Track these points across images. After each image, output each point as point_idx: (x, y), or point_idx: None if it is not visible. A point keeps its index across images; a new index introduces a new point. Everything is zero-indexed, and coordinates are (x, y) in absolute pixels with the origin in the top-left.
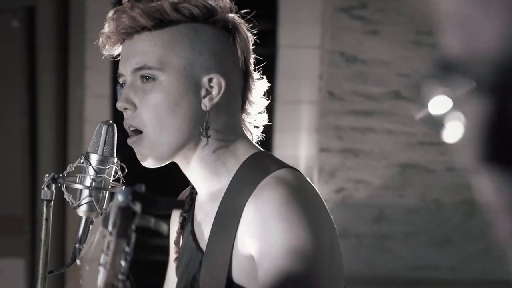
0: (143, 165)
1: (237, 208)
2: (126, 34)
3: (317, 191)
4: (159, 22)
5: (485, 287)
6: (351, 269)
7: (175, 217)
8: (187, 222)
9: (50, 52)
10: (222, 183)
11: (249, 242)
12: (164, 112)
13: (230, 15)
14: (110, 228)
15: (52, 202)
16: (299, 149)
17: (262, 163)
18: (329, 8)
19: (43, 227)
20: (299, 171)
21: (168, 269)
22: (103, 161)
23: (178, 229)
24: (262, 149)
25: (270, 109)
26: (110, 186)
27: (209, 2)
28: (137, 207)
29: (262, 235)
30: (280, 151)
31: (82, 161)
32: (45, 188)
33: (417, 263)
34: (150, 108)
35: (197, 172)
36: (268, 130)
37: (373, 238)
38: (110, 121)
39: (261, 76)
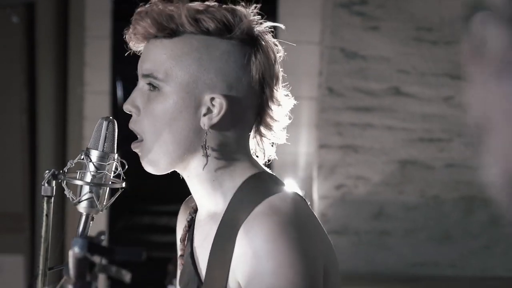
0: (146, 169)
1: (231, 239)
2: (143, 38)
3: (312, 211)
4: (172, 31)
5: (485, 283)
6: (351, 266)
7: (183, 214)
8: (189, 235)
9: (50, 49)
10: (219, 205)
11: (239, 277)
12: (161, 124)
13: (256, 29)
14: (69, 277)
15: (53, 198)
16: (299, 145)
17: (257, 187)
18: (329, 4)
19: (44, 223)
20: (295, 192)
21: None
22: (103, 157)
23: (186, 227)
24: (262, 169)
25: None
26: (110, 182)
27: (229, 16)
28: (95, 258)
29: (251, 272)
30: (280, 148)
31: (82, 157)
32: (46, 184)
33: (417, 259)
34: (149, 117)
35: (195, 189)
36: None
37: (373, 234)
38: (111, 117)
39: (287, 94)
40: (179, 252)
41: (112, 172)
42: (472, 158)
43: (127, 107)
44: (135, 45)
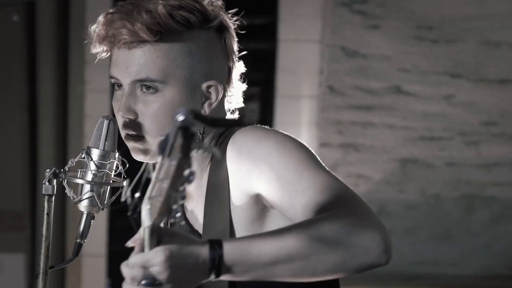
0: (141, 159)
1: (222, 170)
2: (123, 44)
3: None
4: (160, 33)
5: (485, 282)
6: None
7: None
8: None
9: (50, 47)
10: (204, 164)
11: (244, 183)
12: (166, 121)
13: (220, 12)
14: (167, 152)
15: (54, 197)
16: None
17: (229, 132)
18: (330, 3)
19: (45, 222)
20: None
21: None
22: (104, 156)
23: None
24: None
25: (270, 104)
26: (111, 181)
27: (203, 6)
28: (196, 128)
29: (253, 163)
30: None
31: (83, 156)
32: (47, 183)
33: (418, 258)
34: (152, 117)
35: None
36: (268, 125)
37: None
38: (112, 116)
39: (238, 59)
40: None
41: (113, 171)
42: (472, 156)
43: (123, 114)
44: (102, 49)
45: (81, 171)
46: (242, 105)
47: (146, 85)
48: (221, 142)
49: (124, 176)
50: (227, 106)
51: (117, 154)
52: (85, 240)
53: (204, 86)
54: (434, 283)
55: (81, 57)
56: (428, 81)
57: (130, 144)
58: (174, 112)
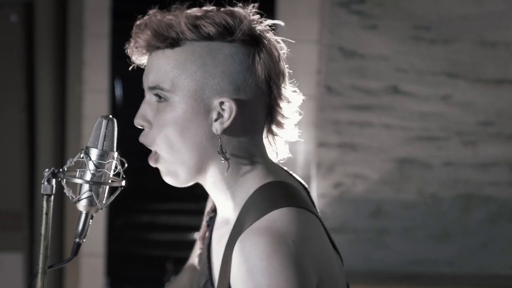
0: (170, 183)
1: (228, 258)
2: (146, 50)
3: (314, 226)
4: (174, 41)
5: (483, 281)
6: (349, 264)
7: (208, 208)
8: (210, 231)
9: (49, 47)
10: (232, 214)
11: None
12: (173, 134)
13: (257, 28)
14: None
15: (52, 196)
16: (297, 143)
17: (264, 199)
18: (327, 3)
19: (43, 221)
20: (301, 208)
21: (192, 256)
22: (103, 155)
23: (204, 226)
24: (278, 177)
25: None
26: (110, 181)
27: (228, 19)
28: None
29: (241, 286)
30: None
31: (82, 155)
32: (45, 183)
33: (415, 257)
34: (161, 128)
35: (212, 195)
36: None
37: (371, 232)
38: (110, 116)
39: (294, 90)
40: (197, 250)
41: (112, 171)
42: (470, 156)
43: (138, 122)
44: (138, 58)
45: (79, 170)
46: (295, 139)
47: (159, 95)
48: (253, 212)
49: (122, 176)
50: (280, 133)
51: (115, 154)
52: (84, 240)
53: (216, 102)
54: (431, 282)
55: (79, 57)
56: (425, 81)
57: (149, 160)
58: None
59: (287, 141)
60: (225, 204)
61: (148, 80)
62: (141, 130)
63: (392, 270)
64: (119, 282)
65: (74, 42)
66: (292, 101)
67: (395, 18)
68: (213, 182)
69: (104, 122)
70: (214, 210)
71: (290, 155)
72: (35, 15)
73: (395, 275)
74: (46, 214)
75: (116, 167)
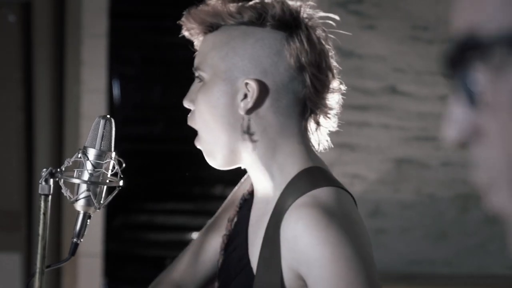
0: (211, 164)
1: (277, 233)
2: (196, 36)
3: (357, 210)
4: (215, 25)
5: (481, 281)
6: None
7: (238, 191)
8: (244, 213)
9: (46, 47)
10: (271, 195)
11: (293, 267)
12: (206, 113)
13: (293, 16)
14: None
15: (50, 196)
16: None
17: (306, 181)
18: (325, 3)
19: (41, 221)
20: (347, 191)
21: (202, 237)
22: (100, 155)
23: (236, 207)
24: (318, 163)
25: None
26: (107, 181)
27: (263, 4)
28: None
29: (310, 261)
30: None
31: (79, 155)
32: (43, 183)
33: (413, 257)
34: (198, 108)
35: (250, 175)
36: None
37: (369, 232)
38: (108, 116)
39: (340, 81)
40: (224, 231)
41: (110, 171)
42: (467, 156)
43: (185, 102)
44: (196, 44)
45: (77, 170)
46: (334, 128)
47: (199, 76)
48: (297, 192)
49: (120, 176)
50: (326, 124)
51: (113, 154)
52: (82, 240)
53: (242, 83)
54: (429, 282)
55: (77, 57)
56: (424, 81)
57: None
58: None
59: (327, 131)
60: (264, 184)
61: (194, 62)
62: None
63: (390, 270)
64: (117, 282)
65: (72, 42)
66: (335, 91)
67: (393, 18)
68: (250, 163)
69: (102, 122)
70: (250, 193)
71: (331, 145)
72: (32, 15)
73: (393, 275)
74: (44, 214)
75: (114, 167)
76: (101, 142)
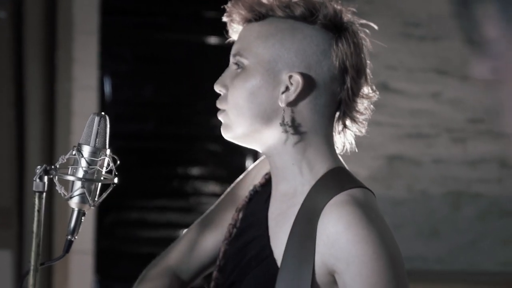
0: (225, 137)
1: (311, 225)
2: (238, 24)
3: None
4: (262, 15)
5: (472, 278)
6: None
7: (256, 175)
8: (259, 205)
9: (37, 44)
10: (297, 191)
11: (328, 262)
12: (242, 99)
13: (343, 18)
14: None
15: (44, 194)
16: None
17: (337, 180)
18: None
19: (35, 218)
20: (371, 191)
21: (198, 227)
22: (95, 152)
23: (246, 197)
24: (342, 164)
25: None
26: (102, 178)
27: (315, 3)
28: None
29: (349, 257)
30: None
31: (74, 152)
32: (37, 180)
33: (405, 254)
34: (233, 91)
35: (274, 167)
36: None
37: None
38: (103, 113)
39: (374, 90)
40: (224, 222)
41: (104, 168)
42: (459, 153)
43: (217, 87)
44: (233, 33)
45: (72, 168)
46: (362, 133)
47: (238, 62)
48: (329, 190)
49: (115, 173)
50: (353, 128)
51: (108, 151)
52: (76, 237)
53: (285, 76)
54: (421, 279)
55: (68, 54)
56: (415, 78)
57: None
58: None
59: (354, 134)
60: (289, 178)
61: (233, 48)
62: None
63: None
64: (108, 280)
65: (63, 39)
66: (366, 96)
67: (385, 15)
68: (279, 154)
69: (97, 119)
70: (262, 185)
71: (356, 149)
72: (24, 12)
73: None
74: (38, 211)
75: (108, 164)
76: (96, 139)
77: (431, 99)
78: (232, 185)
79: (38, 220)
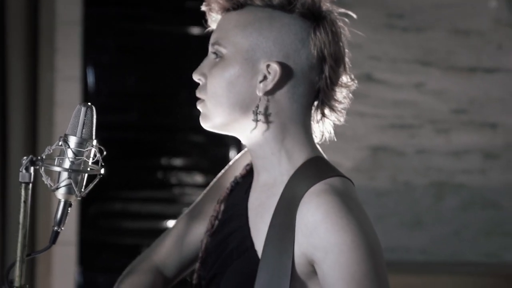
0: (204, 127)
1: (291, 215)
2: (217, 13)
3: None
4: (240, 4)
5: (455, 269)
6: None
7: (238, 166)
8: (239, 196)
9: (20, 35)
10: (276, 181)
11: (310, 250)
12: (220, 88)
13: (321, 7)
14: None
15: (31, 184)
16: None
17: (316, 169)
18: None
19: (22, 210)
20: (350, 180)
21: (181, 221)
22: (81, 143)
23: (227, 189)
24: (321, 154)
25: None
26: (89, 169)
27: None
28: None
29: (327, 246)
30: None
31: (60, 143)
32: (23, 171)
33: (388, 245)
34: (211, 80)
35: (254, 157)
36: None
37: None
38: (89, 103)
39: (353, 79)
40: (212, 212)
41: (91, 159)
42: (442, 144)
43: (195, 76)
44: (212, 22)
45: (58, 158)
46: (341, 122)
47: (217, 51)
48: (308, 179)
49: (101, 164)
50: (331, 117)
51: (94, 142)
52: (63, 228)
53: (263, 65)
54: (404, 270)
55: (51, 45)
56: (399, 69)
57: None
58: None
59: (333, 124)
60: (268, 168)
61: (212, 37)
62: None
63: None
64: (91, 271)
65: (46, 29)
66: (345, 85)
67: (368, 6)
68: (257, 143)
69: (83, 109)
70: (243, 176)
71: (335, 138)
72: (5, 1)
73: None
74: (25, 202)
75: (95, 155)
76: (82, 130)
77: (414, 90)
78: (217, 176)
79: (25, 211)
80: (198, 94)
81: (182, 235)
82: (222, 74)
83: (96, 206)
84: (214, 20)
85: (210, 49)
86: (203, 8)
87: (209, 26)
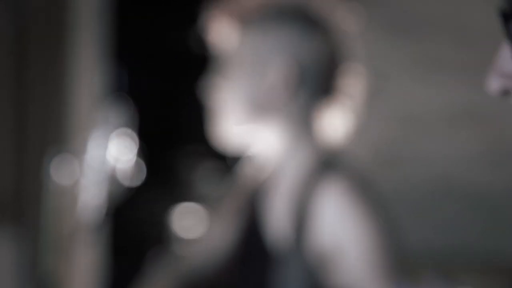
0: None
1: (308, 211)
2: (225, 26)
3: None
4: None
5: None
6: None
7: (260, 159)
8: (258, 193)
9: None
10: (293, 171)
11: (326, 243)
12: (235, 91)
13: (328, 9)
14: None
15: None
16: None
17: (331, 163)
18: None
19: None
20: (365, 173)
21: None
22: None
23: (246, 185)
24: (333, 147)
25: None
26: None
27: None
28: None
29: (345, 233)
30: None
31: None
32: None
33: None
34: (226, 84)
35: (269, 154)
36: None
37: None
38: None
39: (362, 76)
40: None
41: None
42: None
43: (218, 81)
44: (220, 31)
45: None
46: (352, 119)
47: (226, 54)
48: (323, 169)
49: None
50: (328, 113)
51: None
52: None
53: (274, 66)
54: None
55: (73, 37)
56: (403, 73)
57: None
58: None
59: (336, 120)
60: (284, 164)
61: (225, 43)
62: None
63: None
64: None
65: (70, 20)
66: (352, 85)
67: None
68: (272, 140)
69: None
70: (260, 172)
71: (346, 135)
72: None
73: None
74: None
75: None
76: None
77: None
78: (238, 176)
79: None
80: (216, 98)
81: (209, 241)
82: (236, 75)
83: None
84: (222, 30)
85: (223, 53)
86: (212, 23)
87: (217, 35)
